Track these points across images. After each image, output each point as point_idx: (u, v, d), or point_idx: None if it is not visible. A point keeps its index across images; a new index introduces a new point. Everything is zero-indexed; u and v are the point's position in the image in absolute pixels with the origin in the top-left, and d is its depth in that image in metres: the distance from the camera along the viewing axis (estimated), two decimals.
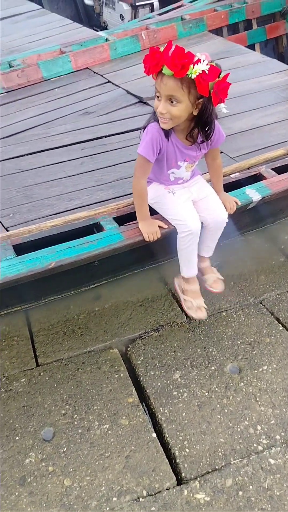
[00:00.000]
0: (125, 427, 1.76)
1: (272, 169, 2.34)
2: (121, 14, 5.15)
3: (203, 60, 1.50)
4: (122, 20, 5.10)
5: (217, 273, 2.18)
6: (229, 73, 1.58)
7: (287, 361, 1.98)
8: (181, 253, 1.95)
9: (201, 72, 1.49)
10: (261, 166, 2.37)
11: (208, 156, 1.94)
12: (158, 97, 1.61)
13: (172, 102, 1.58)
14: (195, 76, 1.50)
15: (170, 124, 1.65)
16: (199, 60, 1.50)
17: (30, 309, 2.24)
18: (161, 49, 1.53)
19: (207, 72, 1.50)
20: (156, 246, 2.15)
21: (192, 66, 1.50)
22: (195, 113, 1.64)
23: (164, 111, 1.59)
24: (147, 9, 5.01)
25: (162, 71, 1.53)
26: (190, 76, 1.51)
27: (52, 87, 3.43)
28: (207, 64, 1.50)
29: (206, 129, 1.71)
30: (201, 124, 1.69)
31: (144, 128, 1.76)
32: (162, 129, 1.70)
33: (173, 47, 1.51)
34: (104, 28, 5.18)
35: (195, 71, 1.50)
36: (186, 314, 2.17)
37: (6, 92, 3.36)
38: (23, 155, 2.67)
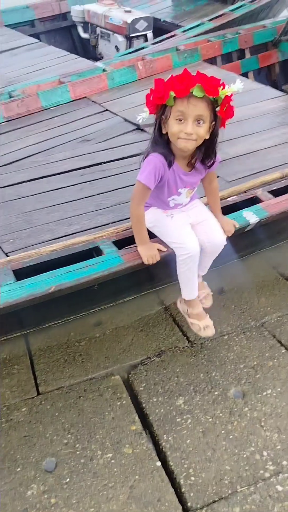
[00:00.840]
0: (128, 455, 1.72)
1: (269, 192, 2.37)
2: (116, 46, 5.29)
3: (233, 84, 1.62)
4: (117, 51, 5.23)
5: (207, 288, 2.19)
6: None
7: None
8: (181, 275, 1.95)
9: (230, 94, 1.60)
10: (258, 189, 2.40)
11: (205, 180, 1.97)
12: (180, 120, 1.64)
13: (199, 122, 1.63)
14: (223, 97, 1.60)
15: (194, 144, 1.68)
16: (223, 84, 1.60)
17: (30, 337, 2.22)
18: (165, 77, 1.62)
19: (231, 95, 1.62)
20: (155, 269, 2.15)
21: (221, 87, 1.59)
22: (206, 137, 1.69)
23: (193, 131, 1.63)
24: (141, 40, 5.14)
25: (193, 93, 1.58)
26: (217, 98, 1.60)
27: (51, 116, 3.49)
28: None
29: (212, 152, 1.78)
30: (211, 147, 1.75)
31: (145, 156, 1.78)
32: (165, 159, 1.74)
33: (188, 73, 1.60)
34: (100, 59, 5.30)
35: (225, 92, 1.59)
36: (188, 339, 2.15)
37: (6, 121, 3.41)
38: (23, 182, 2.69)
